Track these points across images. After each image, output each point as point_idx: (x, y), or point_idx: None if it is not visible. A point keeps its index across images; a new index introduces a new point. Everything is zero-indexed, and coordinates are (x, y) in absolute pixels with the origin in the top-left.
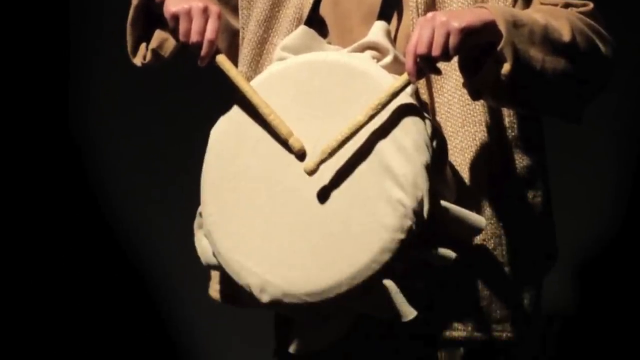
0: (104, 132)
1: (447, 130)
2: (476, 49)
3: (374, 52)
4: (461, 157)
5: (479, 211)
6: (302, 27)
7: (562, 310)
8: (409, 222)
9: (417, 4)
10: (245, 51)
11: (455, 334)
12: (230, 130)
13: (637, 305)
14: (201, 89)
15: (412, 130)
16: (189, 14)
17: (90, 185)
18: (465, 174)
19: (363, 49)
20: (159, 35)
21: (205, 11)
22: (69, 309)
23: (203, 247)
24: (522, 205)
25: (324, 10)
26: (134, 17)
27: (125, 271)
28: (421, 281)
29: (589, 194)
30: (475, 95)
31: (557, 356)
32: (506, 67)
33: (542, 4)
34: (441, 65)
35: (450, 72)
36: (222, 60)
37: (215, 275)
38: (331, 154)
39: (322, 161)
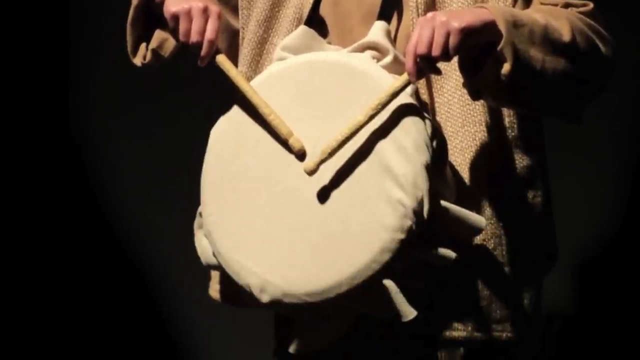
0: (104, 132)
1: (447, 130)
2: (476, 49)
3: (374, 52)
4: (461, 157)
5: (479, 211)
6: (302, 27)
7: (562, 310)
8: (409, 222)
9: (417, 4)
10: (245, 51)
11: (455, 334)
12: (230, 130)
13: (637, 305)
14: (201, 89)
15: (412, 130)
16: (189, 14)
17: (90, 185)
18: (465, 174)
19: (363, 49)
20: (159, 35)
21: (205, 11)
22: (69, 309)
23: (203, 247)
24: (522, 205)
25: (324, 10)
26: (134, 17)
27: (125, 271)
28: (421, 281)
29: (589, 194)
30: (475, 95)
31: (557, 356)
32: (506, 67)
33: (542, 4)
34: (441, 65)
35: (450, 72)
36: (222, 60)
37: (215, 275)
38: (331, 154)
39: (322, 161)
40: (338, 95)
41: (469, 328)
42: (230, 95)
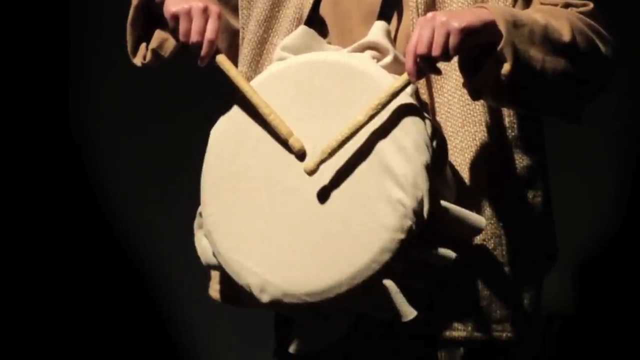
0: (104, 132)
1: (447, 130)
2: (476, 49)
3: (374, 52)
4: (461, 157)
5: (479, 211)
6: (302, 27)
7: (562, 310)
8: (409, 222)
9: (417, 4)
10: (245, 51)
11: (455, 334)
12: (230, 130)
13: (637, 305)
14: (201, 89)
15: (412, 130)
16: (189, 14)
17: (90, 185)
18: (465, 174)
19: (363, 49)
20: (159, 35)
21: (205, 11)
22: (69, 309)
23: (203, 247)
24: (522, 205)
25: (324, 10)
26: (134, 17)
27: (125, 271)
28: (421, 281)
29: (589, 194)
30: (475, 95)
31: (557, 356)
32: (506, 67)
33: (542, 4)
34: (441, 65)
35: (450, 72)
36: (222, 60)
37: (215, 275)
38: (331, 154)
39: (322, 161)
40: (338, 95)
41: (469, 328)
42: (230, 95)
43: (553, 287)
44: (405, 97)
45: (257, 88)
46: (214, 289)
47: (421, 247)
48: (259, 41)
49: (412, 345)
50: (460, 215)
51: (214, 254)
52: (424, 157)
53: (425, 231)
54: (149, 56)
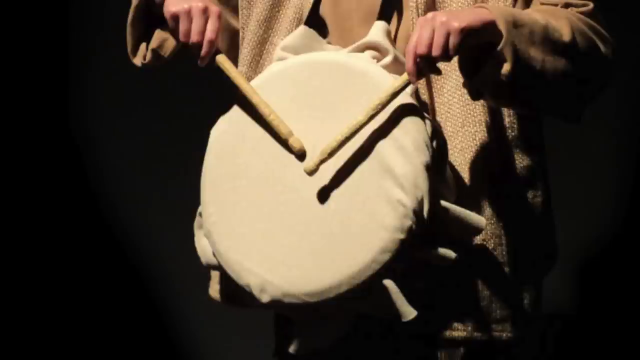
0: (104, 132)
1: (447, 130)
2: (476, 49)
3: (374, 52)
4: (461, 157)
5: (479, 211)
6: (302, 27)
7: (562, 310)
8: (409, 222)
9: (417, 4)
10: (245, 51)
11: (455, 334)
12: (230, 130)
13: (637, 305)
14: (201, 89)
15: (412, 130)
16: (189, 14)
17: (90, 185)
18: (465, 174)
19: (363, 49)
20: (159, 35)
21: (205, 11)
22: (68, 309)
23: (203, 247)
24: (522, 205)
25: (324, 11)
26: (134, 17)
27: (125, 271)
28: (421, 281)
29: (589, 194)
30: (475, 95)
31: (557, 356)
32: (506, 67)
33: (542, 4)
34: (441, 65)
35: (450, 72)
36: (222, 60)
37: (215, 275)
38: (331, 154)
39: (322, 161)
40: (338, 95)
41: (469, 328)
42: (230, 95)
43: (553, 287)
44: (405, 97)
45: (257, 88)
46: (214, 289)
47: (421, 247)
48: (259, 41)
49: (412, 345)
50: (460, 215)
51: (214, 254)
52: (424, 157)
53: (425, 231)
54: (149, 56)
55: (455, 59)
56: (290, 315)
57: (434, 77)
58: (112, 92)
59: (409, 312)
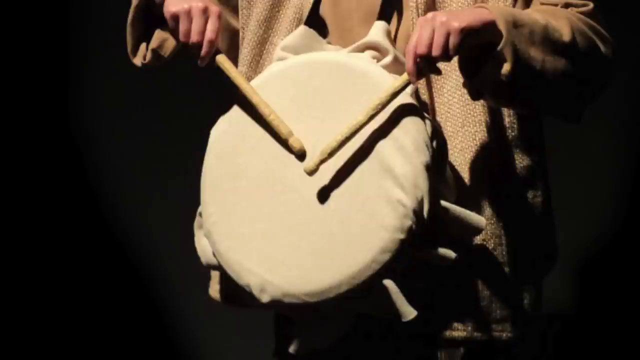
0: (104, 132)
1: (447, 130)
2: (476, 49)
3: (374, 52)
4: (461, 157)
5: (479, 211)
6: (302, 27)
7: (562, 310)
8: (409, 222)
9: (417, 4)
10: (245, 51)
11: (455, 334)
12: (230, 130)
13: (637, 305)
14: (201, 89)
15: (412, 130)
16: (189, 14)
17: (90, 185)
18: (465, 174)
19: (363, 49)
20: (159, 35)
21: (205, 11)
22: (68, 309)
23: (203, 247)
24: (522, 205)
25: (324, 11)
26: (134, 17)
27: (125, 271)
28: (421, 281)
29: (589, 194)
30: (475, 95)
31: (557, 356)
32: (506, 67)
33: (542, 4)
34: (441, 65)
35: (450, 72)
36: (222, 60)
37: (215, 275)
38: (331, 154)
39: (322, 161)
40: (338, 95)
41: (469, 328)
42: (230, 95)
43: (553, 286)
44: (405, 97)
45: (257, 88)
46: (214, 289)
47: (421, 247)
48: (259, 41)
49: (412, 345)
50: (460, 215)
51: (214, 254)
52: (424, 157)
53: (425, 231)
54: (149, 56)
55: (455, 59)
56: (290, 315)
57: (434, 77)
58: (112, 92)
59: (409, 312)
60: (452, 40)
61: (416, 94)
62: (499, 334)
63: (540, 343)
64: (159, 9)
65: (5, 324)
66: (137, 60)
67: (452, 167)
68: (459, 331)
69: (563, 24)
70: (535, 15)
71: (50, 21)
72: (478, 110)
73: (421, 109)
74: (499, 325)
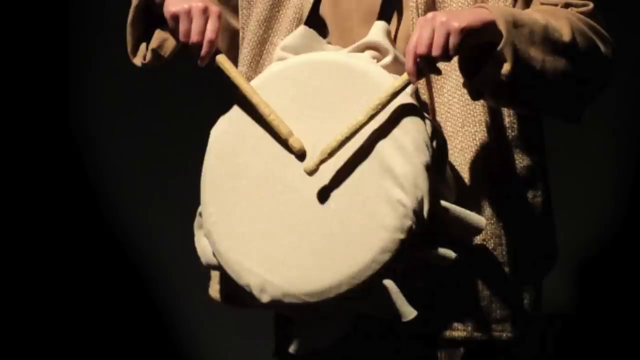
0: (104, 132)
1: (447, 130)
2: (476, 49)
3: (374, 52)
4: (461, 157)
5: (479, 211)
6: (302, 27)
7: (562, 310)
8: (409, 222)
9: (417, 4)
10: (245, 51)
11: (455, 334)
12: (230, 130)
13: (637, 305)
14: (201, 89)
15: (412, 130)
16: (189, 14)
17: (90, 185)
18: (465, 174)
19: (363, 49)
20: (159, 35)
21: (205, 11)
22: (68, 309)
23: (203, 247)
24: (522, 205)
25: (324, 11)
26: (134, 17)
27: (125, 271)
28: (421, 281)
29: (589, 194)
30: (475, 95)
31: (557, 356)
32: (506, 67)
33: (542, 4)
34: (441, 65)
35: (450, 72)
36: (222, 60)
37: (215, 275)
38: (331, 154)
39: (322, 161)
40: (338, 95)
41: (469, 328)
42: (230, 95)
43: (553, 286)
44: (405, 97)
45: (257, 88)
46: (214, 289)
47: (421, 247)
48: (259, 41)
49: (412, 345)
50: (460, 215)
51: (214, 254)
52: (424, 157)
53: (425, 231)
54: (149, 56)
55: (455, 59)
56: (290, 315)
57: (434, 77)
58: (112, 92)
59: (409, 312)
60: (452, 40)
61: (416, 94)
62: (499, 334)
63: (540, 343)
64: (159, 9)
65: (5, 324)
66: (137, 60)
67: (452, 167)
68: (459, 331)
69: (563, 24)
70: (535, 15)
71: (50, 21)
72: (478, 110)
73: (421, 109)
74: (499, 325)
